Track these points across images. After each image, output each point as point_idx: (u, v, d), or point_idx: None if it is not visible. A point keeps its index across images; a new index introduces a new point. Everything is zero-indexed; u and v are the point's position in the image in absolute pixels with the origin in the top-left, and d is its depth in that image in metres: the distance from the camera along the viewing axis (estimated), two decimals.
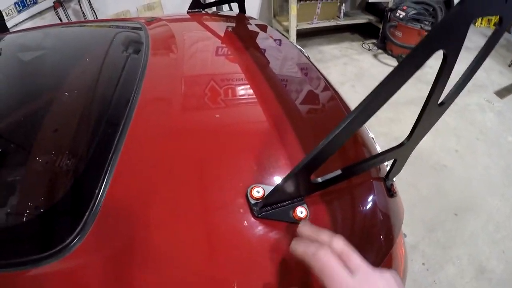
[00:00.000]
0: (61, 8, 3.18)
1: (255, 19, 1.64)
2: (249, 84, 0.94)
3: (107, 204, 0.58)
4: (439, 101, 0.59)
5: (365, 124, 0.53)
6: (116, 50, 1.21)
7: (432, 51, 0.48)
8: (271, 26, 1.52)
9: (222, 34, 1.33)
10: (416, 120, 0.60)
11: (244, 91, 0.91)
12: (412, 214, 2.19)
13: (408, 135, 0.64)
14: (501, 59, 5.33)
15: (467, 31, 0.49)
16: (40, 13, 3.15)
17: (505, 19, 0.53)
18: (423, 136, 0.66)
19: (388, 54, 4.36)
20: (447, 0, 5.50)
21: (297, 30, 4.06)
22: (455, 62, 0.52)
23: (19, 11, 3.07)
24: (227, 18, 1.59)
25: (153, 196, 0.60)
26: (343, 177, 0.59)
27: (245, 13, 1.66)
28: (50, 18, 3.19)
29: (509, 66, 5.08)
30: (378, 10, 4.53)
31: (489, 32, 6.09)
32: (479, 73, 3.77)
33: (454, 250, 2.00)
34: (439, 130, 3.01)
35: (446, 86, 0.55)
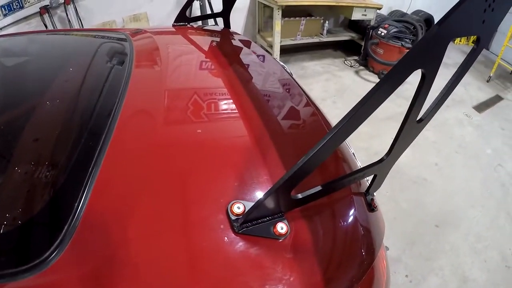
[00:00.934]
0: (47, 14, 3.15)
1: (239, 34, 1.67)
2: (231, 99, 0.95)
3: (86, 218, 0.56)
4: (418, 118, 0.61)
5: (346, 140, 0.54)
6: (100, 60, 1.20)
7: (411, 70, 0.50)
8: (256, 42, 1.55)
9: (206, 48, 1.34)
10: (396, 136, 0.62)
11: (226, 106, 0.92)
12: (393, 227, 2.21)
13: (388, 151, 0.65)
14: (480, 75, 5.54)
15: (444, 51, 0.51)
16: (26, 18, 3.11)
17: (482, 39, 0.56)
18: (402, 152, 0.68)
19: (370, 71, 4.48)
20: (428, 18, 5.71)
21: (281, 46, 4.13)
22: (433, 81, 0.54)
23: (5, 15, 3.02)
24: (211, 32, 1.61)
25: (133, 211, 0.59)
26: (323, 193, 0.59)
27: (230, 28, 1.69)
28: (35, 23, 3.15)
29: (487, 81, 5.29)
30: (360, 28, 4.68)
31: (468, 49, 6.37)
32: (458, 89, 3.90)
33: (437, 262, 2.03)
34: (419, 145, 3.08)
35: (425, 103, 0.57)
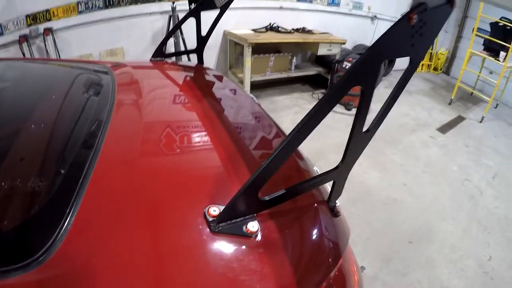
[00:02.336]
0: (26, 43, 3.17)
1: (212, 69, 1.81)
2: (205, 128, 1.06)
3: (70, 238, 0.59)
4: (365, 129, 0.71)
5: (307, 156, 0.63)
6: (81, 91, 1.26)
7: (350, 86, 0.60)
8: (227, 78, 1.69)
9: (182, 83, 1.46)
10: (346, 145, 0.72)
11: (201, 134, 1.03)
12: (367, 247, 2.27)
13: (342, 159, 0.75)
14: (442, 99, 5.94)
15: (379, 70, 0.62)
16: (5, 45, 3.11)
17: (414, 60, 0.66)
18: (355, 159, 0.78)
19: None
20: None
21: (251, 82, 4.27)
22: (371, 95, 0.64)
23: None
24: (186, 68, 1.74)
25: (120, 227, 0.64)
26: (288, 196, 0.68)
27: (203, 64, 1.82)
28: (14, 51, 3.16)
29: (449, 104, 5.67)
30: (326, 62, 4.95)
31: (429, 76, 6.80)
32: (422, 114, 4.24)
33: (414, 276, 2.09)
34: (386, 168, 3.24)
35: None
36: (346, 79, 0.59)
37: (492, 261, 2.30)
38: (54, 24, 3.31)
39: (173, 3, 3.71)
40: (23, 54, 3.18)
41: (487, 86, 6.39)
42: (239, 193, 0.61)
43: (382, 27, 6.62)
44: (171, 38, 3.72)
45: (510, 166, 3.93)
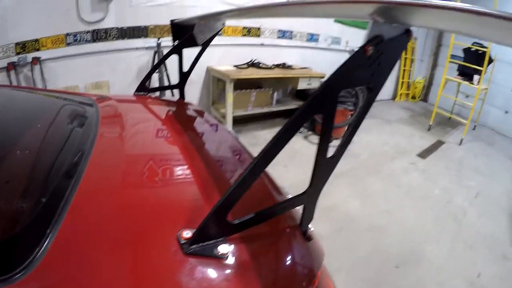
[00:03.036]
0: (13, 71, 3.20)
1: (192, 104, 1.88)
2: (182, 159, 1.12)
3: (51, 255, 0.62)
4: (330, 155, 0.75)
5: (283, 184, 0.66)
6: (66, 122, 1.29)
7: (310, 115, 0.64)
8: (210, 113, 1.77)
9: (162, 117, 1.52)
10: (312, 171, 0.76)
11: (178, 165, 1.09)
12: (354, 275, 2.25)
13: (309, 184, 0.79)
14: (421, 126, 6.14)
15: (337, 99, 0.66)
16: None
17: (374, 88, 0.71)
18: (323, 184, 0.81)
19: (317, 135, 4.77)
20: None
21: (234, 117, 4.33)
22: (332, 122, 0.69)
23: None
24: (168, 102, 1.81)
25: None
26: (257, 219, 0.72)
27: (185, 99, 1.89)
28: (1, 78, 3.18)
29: (428, 130, 5.87)
30: (306, 96, 5.02)
31: (408, 104, 7.06)
32: (402, 141, 4.37)
33: None
34: (367, 196, 3.27)
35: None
36: (305, 109, 0.64)
37: (482, 278, 2.32)
38: (42, 54, 3.37)
39: (158, 39, 3.87)
40: (10, 82, 3.21)
41: (464, 109, 6.69)
42: (208, 217, 0.65)
43: None
44: (156, 73, 3.83)
45: (491, 184, 4.03)
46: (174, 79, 3.90)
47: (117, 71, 3.92)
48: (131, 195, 0.90)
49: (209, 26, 1.62)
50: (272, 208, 0.76)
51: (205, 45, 1.69)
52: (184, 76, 1.81)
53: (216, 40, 1.74)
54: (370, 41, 0.64)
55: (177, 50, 1.71)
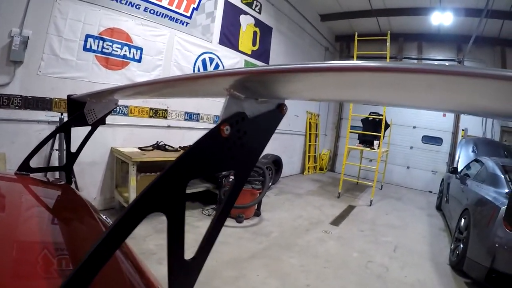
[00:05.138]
0: None
1: (77, 190, 1.70)
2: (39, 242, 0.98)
3: None
4: (191, 257, 0.59)
5: None
6: None
7: (144, 215, 0.50)
8: (113, 197, 1.60)
9: (34, 200, 1.36)
10: (168, 276, 0.57)
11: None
12: None
13: None
14: (330, 194, 6.54)
15: (184, 192, 0.53)
16: None
17: (239, 172, 0.60)
18: None
19: (228, 216, 4.69)
20: (276, 159, 6.69)
21: None
22: (183, 222, 0.55)
23: None
24: (48, 185, 1.62)
25: None
26: None
27: (71, 183, 1.68)
28: None
29: (338, 197, 6.25)
30: (214, 178, 4.96)
31: (316, 176, 7.64)
32: (314, 212, 4.58)
33: None
34: (286, 273, 3.11)
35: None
36: (135, 207, 0.49)
37: None
38: None
39: (62, 114, 3.60)
40: None
41: (370, 172, 7.48)
42: None
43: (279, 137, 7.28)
44: (55, 151, 3.52)
45: (407, 235, 4.32)
46: (83, 156, 3.64)
47: (16, 144, 3.47)
48: None
49: (100, 104, 1.53)
50: None
51: (96, 125, 1.58)
52: (71, 158, 1.63)
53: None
54: (227, 119, 0.56)
55: (63, 129, 1.56)
